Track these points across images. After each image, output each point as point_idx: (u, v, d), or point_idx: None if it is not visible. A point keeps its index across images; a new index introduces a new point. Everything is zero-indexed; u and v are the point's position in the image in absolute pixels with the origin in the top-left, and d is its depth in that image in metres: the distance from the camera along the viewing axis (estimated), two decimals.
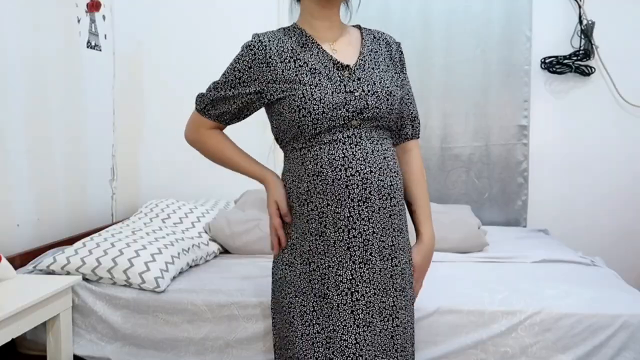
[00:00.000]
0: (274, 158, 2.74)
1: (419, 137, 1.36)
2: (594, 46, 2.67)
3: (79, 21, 2.52)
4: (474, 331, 1.61)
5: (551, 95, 2.78)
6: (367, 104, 1.20)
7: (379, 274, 1.20)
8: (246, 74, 1.25)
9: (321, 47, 1.25)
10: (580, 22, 2.69)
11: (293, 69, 1.21)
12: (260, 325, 1.67)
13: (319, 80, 1.20)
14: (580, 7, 2.69)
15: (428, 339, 1.60)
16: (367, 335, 1.19)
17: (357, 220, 1.18)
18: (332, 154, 1.18)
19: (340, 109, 1.18)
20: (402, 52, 1.36)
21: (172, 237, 2.01)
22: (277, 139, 1.30)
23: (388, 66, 1.29)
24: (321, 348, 1.20)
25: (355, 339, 1.18)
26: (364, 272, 1.19)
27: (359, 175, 1.18)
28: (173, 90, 2.90)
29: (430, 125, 2.79)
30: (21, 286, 1.65)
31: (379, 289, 1.20)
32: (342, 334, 1.18)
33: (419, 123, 1.37)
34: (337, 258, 1.19)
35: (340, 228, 1.18)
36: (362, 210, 1.18)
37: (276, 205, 1.25)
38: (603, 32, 2.67)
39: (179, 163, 2.92)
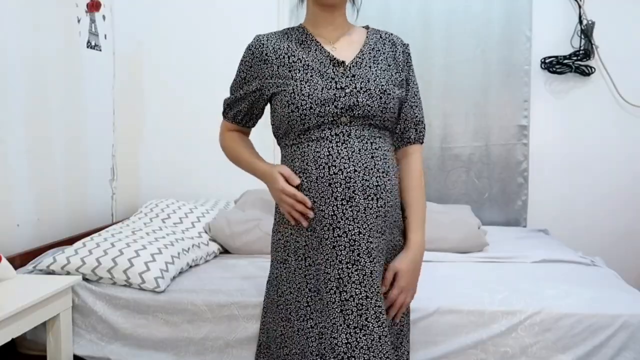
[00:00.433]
0: (273, 158, 2.74)
1: (422, 142, 1.34)
2: (594, 46, 2.67)
3: (79, 21, 2.52)
4: (474, 331, 1.61)
5: (551, 95, 2.78)
6: (357, 101, 1.19)
7: (370, 277, 1.17)
8: (248, 73, 1.29)
9: (320, 45, 1.26)
10: (580, 22, 2.69)
11: (287, 65, 1.23)
12: None
13: (311, 76, 1.21)
14: (580, 7, 2.69)
15: (428, 339, 1.60)
16: (360, 338, 1.15)
17: (342, 219, 1.17)
18: (317, 151, 1.18)
19: (328, 105, 1.18)
20: (409, 54, 1.34)
21: (172, 237, 2.01)
22: (275, 135, 1.32)
23: (389, 65, 1.28)
24: (314, 343, 1.20)
25: (347, 340, 1.15)
26: (352, 272, 1.17)
27: (342, 174, 1.17)
28: (173, 90, 2.91)
29: (430, 125, 2.79)
30: (21, 286, 1.65)
31: (372, 293, 1.17)
32: (332, 331, 1.17)
33: (423, 128, 1.34)
34: (324, 256, 1.18)
35: (325, 226, 1.18)
36: (346, 209, 1.17)
37: (282, 176, 1.22)
38: (603, 32, 2.67)
39: (179, 163, 2.93)
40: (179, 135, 2.92)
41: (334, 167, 1.17)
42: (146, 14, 2.89)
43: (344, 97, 1.19)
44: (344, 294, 1.16)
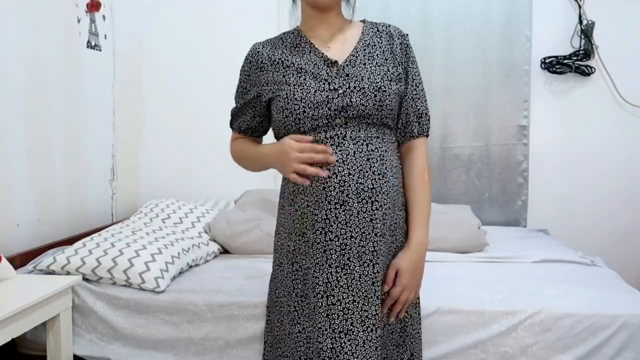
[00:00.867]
0: None
1: (427, 135, 1.31)
2: (594, 46, 2.67)
3: (79, 21, 2.52)
4: (474, 331, 1.61)
5: (551, 95, 2.78)
6: (351, 101, 1.17)
7: (359, 281, 1.16)
8: (248, 82, 1.31)
9: (314, 46, 1.25)
10: (580, 22, 2.69)
11: (281, 70, 1.23)
12: (260, 325, 1.67)
13: (304, 79, 1.20)
14: (580, 7, 2.69)
15: (428, 339, 1.60)
16: (345, 343, 1.15)
17: (334, 223, 1.16)
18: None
19: (322, 108, 1.17)
20: (407, 45, 1.29)
21: (172, 237, 2.01)
22: (275, 139, 1.31)
23: (385, 60, 1.24)
24: (302, 347, 1.21)
25: (332, 344, 1.15)
26: (340, 276, 1.16)
27: (337, 177, 1.16)
28: (173, 90, 2.91)
29: (430, 125, 2.78)
30: (21, 286, 1.65)
31: (359, 297, 1.16)
32: (318, 336, 1.16)
33: (427, 120, 1.31)
34: (314, 260, 1.18)
35: (318, 230, 1.17)
36: (340, 213, 1.16)
37: (292, 140, 1.18)
38: (603, 32, 2.67)
39: (179, 163, 2.93)
40: (179, 135, 2.92)
41: (328, 170, 1.16)
42: (146, 14, 2.89)
43: (337, 98, 1.17)
44: (331, 298, 1.16)
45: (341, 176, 1.16)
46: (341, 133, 1.18)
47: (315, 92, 1.18)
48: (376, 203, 1.17)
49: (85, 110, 2.59)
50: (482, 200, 2.82)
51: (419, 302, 1.32)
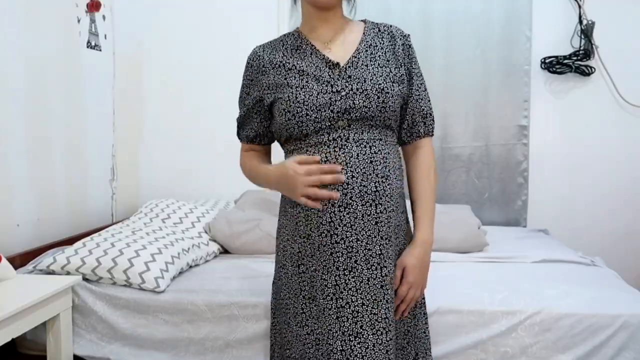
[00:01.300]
0: None
1: (432, 135, 1.30)
2: (594, 46, 2.67)
3: (79, 21, 2.52)
4: (474, 331, 1.61)
5: (551, 95, 2.78)
6: (353, 103, 1.16)
7: (367, 284, 1.15)
8: (250, 86, 1.30)
9: (315, 48, 1.24)
10: (580, 22, 2.69)
11: (283, 73, 1.22)
12: (260, 325, 1.67)
13: (306, 82, 1.19)
14: (580, 7, 2.69)
15: None
16: (355, 346, 1.14)
17: (339, 226, 1.15)
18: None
19: (324, 110, 1.16)
20: (410, 46, 1.28)
21: (172, 237, 2.01)
22: (278, 142, 1.31)
23: (388, 61, 1.23)
24: (312, 349, 1.20)
25: (342, 347, 1.15)
26: (348, 279, 1.15)
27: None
28: (173, 90, 2.91)
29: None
30: (21, 286, 1.65)
31: (368, 300, 1.15)
32: (328, 338, 1.16)
33: (432, 120, 1.30)
34: (322, 262, 1.17)
35: (323, 232, 1.16)
36: (344, 216, 1.15)
37: (296, 164, 1.16)
38: (603, 32, 2.67)
39: (179, 163, 2.93)
40: (179, 135, 2.92)
41: (338, 192, 1.14)
42: (146, 14, 2.89)
43: (339, 100, 1.16)
44: (340, 300, 1.16)
45: (344, 179, 1.15)
46: (344, 135, 1.17)
47: (317, 94, 1.16)
48: (380, 206, 1.17)
49: (85, 110, 2.59)
50: (482, 200, 2.82)
51: (425, 302, 1.32)
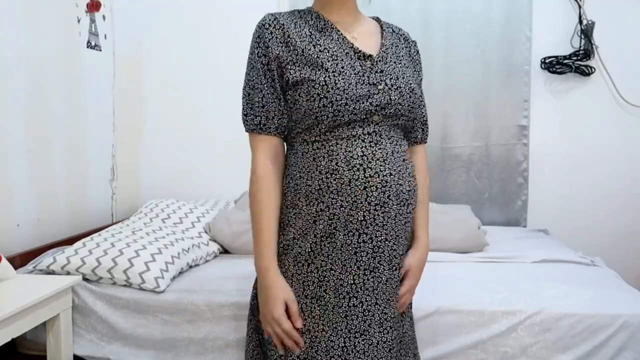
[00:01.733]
0: None
1: (426, 142, 1.31)
2: (594, 46, 2.67)
3: (79, 21, 2.52)
4: (474, 331, 1.61)
5: (551, 95, 2.78)
6: (390, 99, 1.11)
7: (385, 284, 1.13)
8: (270, 58, 1.12)
9: (341, 34, 1.15)
10: (580, 22, 2.69)
11: (314, 52, 1.10)
12: None
13: (342, 68, 1.09)
14: (580, 7, 2.69)
15: (428, 339, 1.60)
16: (358, 343, 1.13)
17: (371, 225, 1.09)
18: (349, 151, 1.09)
19: (363, 102, 1.08)
20: (418, 52, 1.28)
21: (172, 237, 2.01)
22: (291, 133, 1.20)
23: (410, 62, 1.23)
24: (305, 347, 1.17)
25: (344, 343, 1.12)
26: (367, 279, 1.12)
27: (379, 177, 1.08)
28: (173, 90, 2.91)
29: (430, 125, 2.76)
30: (21, 286, 1.65)
31: (382, 299, 1.14)
32: (330, 334, 1.13)
33: (427, 127, 1.31)
34: (341, 262, 1.11)
35: (351, 231, 1.10)
36: (378, 215, 1.09)
37: (285, 306, 1.10)
38: (603, 32, 2.67)
39: (179, 163, 2.93)
40: (179, 135, 2.92)
41: (369, 170, 1.08)
42: (146, 14, 2.89)
43: (377, 94, 1.10)
44: (353, 299, 1.12)
45: (382, 176, 1.09)
46: (377, 130, 1.11)
47: (356, 83, 1.08)
48: (410, 206, 1.15)
49: (85, 110, 2.59)
50: (482, 200, 2.82)
51: (411, 304, 1.31)
